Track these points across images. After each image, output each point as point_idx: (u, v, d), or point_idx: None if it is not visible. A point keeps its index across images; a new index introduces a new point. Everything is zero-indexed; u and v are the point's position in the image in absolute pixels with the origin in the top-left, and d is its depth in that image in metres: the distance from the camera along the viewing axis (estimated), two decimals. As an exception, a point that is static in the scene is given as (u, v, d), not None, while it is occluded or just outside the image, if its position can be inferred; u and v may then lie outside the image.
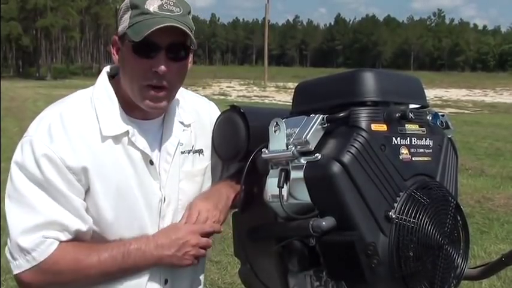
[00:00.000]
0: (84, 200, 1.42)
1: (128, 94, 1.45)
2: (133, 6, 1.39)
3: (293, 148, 1.28)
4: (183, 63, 1.45)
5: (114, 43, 1.46)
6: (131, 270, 1.45)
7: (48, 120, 1.41)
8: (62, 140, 1.38)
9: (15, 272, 1.39)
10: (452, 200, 1.34)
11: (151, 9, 1.38)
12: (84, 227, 1.41)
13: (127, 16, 1.40)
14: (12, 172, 1.40)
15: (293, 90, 1.46)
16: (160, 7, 1.38)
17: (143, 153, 1.47)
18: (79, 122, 1.42)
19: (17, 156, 1.40)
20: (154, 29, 1.34)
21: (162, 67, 1.39)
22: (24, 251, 1.36)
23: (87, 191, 1.41)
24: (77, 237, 1.41)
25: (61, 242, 1.38)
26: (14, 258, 1.38)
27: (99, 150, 1.41)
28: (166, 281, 1.53)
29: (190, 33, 1.40)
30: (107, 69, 1.54)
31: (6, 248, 1.40)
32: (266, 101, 29.30)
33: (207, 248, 1.50)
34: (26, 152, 1.38)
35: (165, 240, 1.45)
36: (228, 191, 1.56)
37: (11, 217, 1.38)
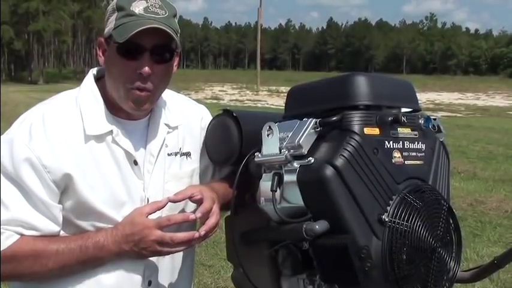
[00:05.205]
0: (62, 200, 1.42)
1: (113, 95, 1.46)
2: (119, 8, 1.40)
3: (286, 152, 1.28)
4: (167, 65, 1.45)
5: (100, 45, 1.47)
6: (91, 263, 1.42)
7: (30, 120, 1.42)
8: (41, 139, 1.38)
9: None
10: (445, 203, 1.34)
11: (136, 11, 1.38)
12: (52, 228, 1.41)
13: (113, 18, 1.42)
14: None
15: (286, 94, 1.46)
16: (146, 9, 1.39)
17: (127, 152, 1.47)
18: (61, 121, 1.42)
19: None
20: (137, 30, 1.35)
21: (146, 68, 1.39)
22: None
23: (66, 190, 1.41)
24: (44, 235, 1.40)
25: (23, 235, 1.37)
26: None
27: (82, 150, 1.42)
28: (150, 283, 1.52)
29: (174, 35, 1.40)
30: (93, 71, 1.55)
31: None
32: (259, 104, 29.31)
33: (175, 242, 1.39)
34: (5, 149, 1.39)
35: (121, 235, 1.40)
36: (220, 187, 1.56)
37: None
